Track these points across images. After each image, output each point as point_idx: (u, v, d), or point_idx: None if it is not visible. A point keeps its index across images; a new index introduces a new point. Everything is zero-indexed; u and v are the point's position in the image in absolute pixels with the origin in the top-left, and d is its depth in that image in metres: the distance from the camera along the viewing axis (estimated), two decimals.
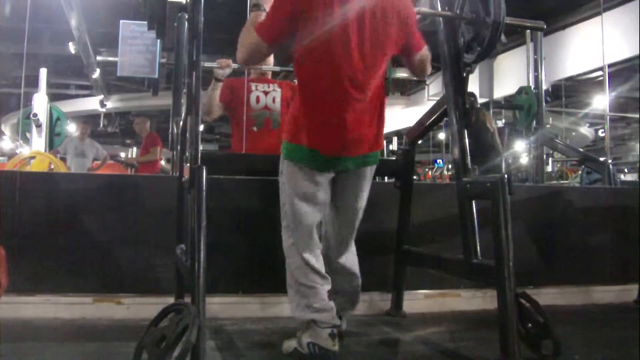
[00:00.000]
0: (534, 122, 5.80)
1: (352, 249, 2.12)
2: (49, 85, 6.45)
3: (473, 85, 8.57)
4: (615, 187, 4.83)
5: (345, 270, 2.08)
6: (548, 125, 7.99)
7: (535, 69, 6.02)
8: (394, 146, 12.66)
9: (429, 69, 2.18)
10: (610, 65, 6.63)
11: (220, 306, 2.52)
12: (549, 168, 10.03)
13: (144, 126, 6.62)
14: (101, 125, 13.33)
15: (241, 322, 2.47)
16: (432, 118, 2.48)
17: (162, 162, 8.08)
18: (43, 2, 6.47)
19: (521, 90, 6.11)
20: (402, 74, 9.41)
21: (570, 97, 10.86)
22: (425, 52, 2.12)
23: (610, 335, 2.47)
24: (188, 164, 1.94)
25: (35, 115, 4.72)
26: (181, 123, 2.35)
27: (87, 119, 9.94)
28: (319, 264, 1.94)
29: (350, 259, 2.11)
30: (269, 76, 3.17)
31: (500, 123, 7.67)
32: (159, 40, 5.31)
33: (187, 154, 2.09)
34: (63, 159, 6.18)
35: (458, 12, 2.25)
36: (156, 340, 1.55)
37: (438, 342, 2.29)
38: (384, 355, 2.13)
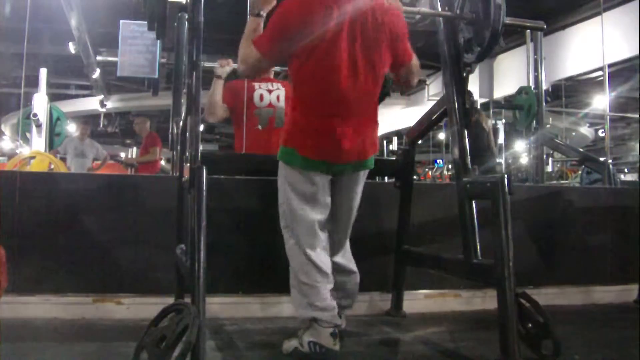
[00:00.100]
0: (534, 122, 5.81)
1: (347, 246, 2.16)
2: (49, 85, 6.45)
3: (473, 85, 8.57)
4: (615, 187, 4.83)
5: (345, 268, 2.10)
6: (548, 125, 7.98)
7: (535, 69, 6.03)
8: (394, 146, 12.66)
9: (415, 81, 2.20)
10: (610, 65, 6.61)
11: (220, 306, 2.52)
12: (549, 168, 10.02)
13: (144, 126, 6.61)
14: (101, 125, 13.29)
15: (241, 322, 2.47)
16: (432, 118, 2.48)
17: (162, 162, 8.08)
18: (43, 2, 6.46)
19: (521, 90, 6.11)
20: None
21: (570, 97, 10.83)
22: (412, 63, 2.13)
23: (610, 335, 2.47)
24: (188, 164, 1.94)
25: (35, 115, 4.73)
26: (181, 123, 2.35)
27: (87, 119, 9.93)
28: (321, 260, 1.95)
29: (347, 256, 2.15)
30: (271, 75, 3.18)
31: (500, 123, 7.65)
32: (159, 40, 5.31)
33: (187, 154, 2.09)
34: (63, 159, 6.17)
35: (458, 12, 2.25)
36: (156, 340, 1.55)
37: (438, 342, 2.29)
38: (384, 355, 2.13)
